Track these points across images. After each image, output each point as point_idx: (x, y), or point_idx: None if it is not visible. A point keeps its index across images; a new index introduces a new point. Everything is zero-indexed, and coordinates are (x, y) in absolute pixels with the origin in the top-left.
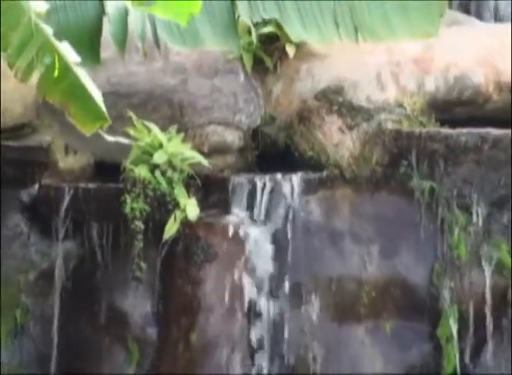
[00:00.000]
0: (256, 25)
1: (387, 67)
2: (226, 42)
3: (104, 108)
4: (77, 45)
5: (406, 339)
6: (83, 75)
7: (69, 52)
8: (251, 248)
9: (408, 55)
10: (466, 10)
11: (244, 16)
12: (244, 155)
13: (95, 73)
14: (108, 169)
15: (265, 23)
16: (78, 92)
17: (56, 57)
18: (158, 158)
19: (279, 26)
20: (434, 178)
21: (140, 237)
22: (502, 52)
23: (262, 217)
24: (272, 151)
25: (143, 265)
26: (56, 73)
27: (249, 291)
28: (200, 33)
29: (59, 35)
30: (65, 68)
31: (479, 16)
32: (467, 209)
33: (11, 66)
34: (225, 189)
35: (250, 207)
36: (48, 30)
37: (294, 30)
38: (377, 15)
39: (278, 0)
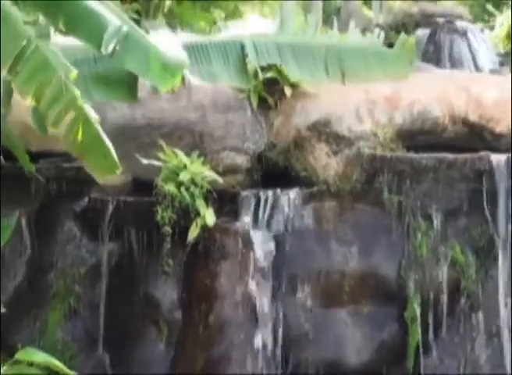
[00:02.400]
0: (261, 70)
1: (364, 104)
2: (237, 79)
3: (116, 159)
4: (119, 87)
5: (379, 320)
6: (100, 131)
7: (90, 111)
8: (257, 247)
9: (381, 95)
10: (426, 59)
11: (252, 60)
12: (251, 174)
13: (133, 109)
14: (143, 185)
15: (268, 69)
16: (96, 146)
17: (80, 114)
18: (183, 176)
19: (279, 72)
20: (401, 192)
21: (169, 239)
22: (455, 92)
23: (265, 223)
24: (273, 171)
25: (170, 262)
26: (78, 128)
27: (255, 281)
28: (216, 72)
29: (104, 78)
30: (87, 123)
31: (437, 63)
32: (427, 217)
33: (44, 115)
34: (236, 201)
35: (255, 215)
36: (76, 91)
37: (292, 72)
38: (359, 61)
39: (278, 48)
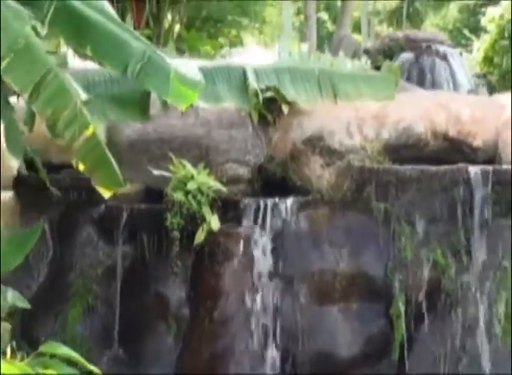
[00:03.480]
0: (260, 91)
1: (354, 121)
2: (238, 101)
3: (120, 176)
4: (132, 108)
5: (367, 316)
6: (107, 151)
7: (100, 132)
8: (257, 250)
9: (369, 112)
10: (410, 80)
11: (252, 83)
12: (252, 184)
13: (146, 125)
14: (154, 194)
15: (267, 89)
16: (103, 163)
17: (90, 136)
18: (190, 186)
19: (277, 91)
20: (387, 201)
21: (177, 243)
22: (436, 110)
23: (264, 228)
24: (272, 181)
25: (179, 263)
26: (88, 148)
27: (255, 280)
28: (220, 94)
29: (119, 99)
30: (96, 144)
31: (420, 84)
32: (411, 223)
33: (60, 135)
34: (238, 208)
35: (255, 221)
36: (89, 116)
37: (288, 93)
38: (349, 82)
39: (276, 72)
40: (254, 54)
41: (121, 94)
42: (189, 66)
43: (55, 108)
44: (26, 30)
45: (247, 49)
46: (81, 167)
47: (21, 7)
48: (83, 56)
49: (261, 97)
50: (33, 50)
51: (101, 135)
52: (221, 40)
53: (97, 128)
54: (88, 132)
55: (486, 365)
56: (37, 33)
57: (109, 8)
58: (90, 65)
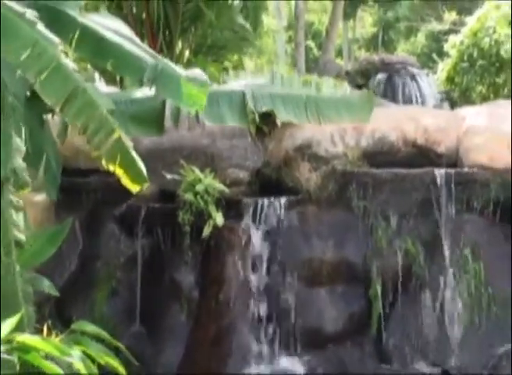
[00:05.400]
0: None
1: (337, 132)
2: (238, 120)
3: (145, 173)
4: (149, 122)
5: (350, 297)
6: (134, 154)
7: (125, 138)
8: (255, 242)
9: (350, 125)
10: (385, 97)
11: (250, 105)
12: (251, 185)
13: (160, 138)
14: (168, 195)
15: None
16: (128, 163)
17: (117, 141)
18: (199, 188)
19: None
20: (366, 199)
21: (188, 236)
22: (406, 122)
23: (262, 223)
24: (268, 183)
25: (189, 253)
26: (116, 152)
27: (254, 268)
28: (223, 115)
29: (138, 117)
30: (123, 146)
31: (393, 100)
32: (386, 219)
33: (89, 142)
34: (239, 206)
35: (254, 217)
36: (115, 123)
37: (280, 114)
38: (332, 107)
39: (271, 96)
40: (253, 77)
41: (140, 112)
42: (196, 73)
43: (84, 118)
44: (56, 53)
45: (247, 73)
46: (111, 168)
47: (52, 34)
48: (109, 82)
49: (257, 114)
50: (64, 69)
51: (127, 140)
52: (225, 63)
53: (122, 134)
54: (115, 136)
55: (451, 335)
56: (67, 55)
57: (126, 30)
58: (114, 89)
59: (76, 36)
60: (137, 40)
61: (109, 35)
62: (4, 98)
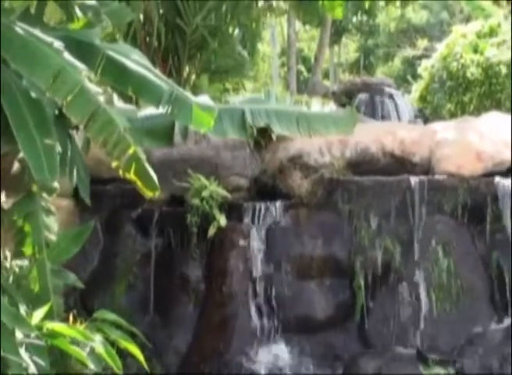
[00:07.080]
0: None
1: (325, 144)
2: (239, 134)
3: (157, 182)
4: (161, 136)
5: (336, 288)
6: (147, 165)
7: (139, 151)
8: (254, 240)
9: (336, 138)
10: (366, 114)
11: (249, 120)
12: (250, 191)
13: (171, 149)
14: (177, 200)
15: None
16: (142, 172)
17: (132, 154)
18: (205, 193)
19: (268, 126)
20: (351, 203)
21: (195, 236)
22: (385, 135)
23: (260, 224)
24: (265, 189)
25: (197, 251)
26: (131, 163)
27: (253, 263)
28: (225, 128)
29: (151, 131)
30: (138, 159)
31: (373, 117)
32: (368, 220)
33: (109, 155)
34: (240, 210)
35: (253, 219)
36: (131, 139)
37: (275, 129)
38: (320, 122)
39: (267, 113)
40: (251, 96)
41: (152, 127)
42: (204, 99)
43: (105, 134)
44: (81, 78)
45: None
46: (127, 177)
47: (77, 61)
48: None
49: (255, 129)
50: (87, 92)
51: (141, 153)
52: (226, 85)
53: (137, 148)
54: (131, 150)
55: (425, 321)
56: (90, 80)
57: (143, 59)
58: (130, 107)
59: (101, 64)
60: (156, 70)
61: (130, 64)
62: (46, 115)
